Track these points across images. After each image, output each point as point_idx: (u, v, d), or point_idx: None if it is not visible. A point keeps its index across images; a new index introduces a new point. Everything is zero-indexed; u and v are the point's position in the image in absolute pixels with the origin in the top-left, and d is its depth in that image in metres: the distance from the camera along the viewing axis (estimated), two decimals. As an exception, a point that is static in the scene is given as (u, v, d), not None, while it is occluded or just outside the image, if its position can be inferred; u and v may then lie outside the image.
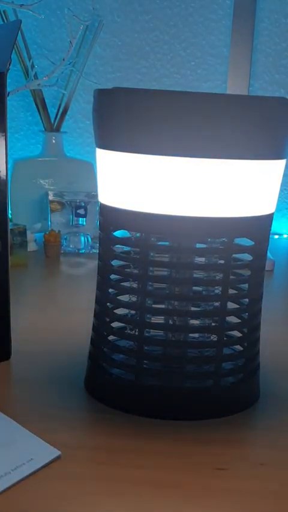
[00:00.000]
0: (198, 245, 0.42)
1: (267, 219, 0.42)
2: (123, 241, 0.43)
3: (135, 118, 0.37)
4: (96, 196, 0.38)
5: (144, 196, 0.38)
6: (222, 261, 0.41)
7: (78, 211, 0.95)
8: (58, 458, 0.37)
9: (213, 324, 0.43)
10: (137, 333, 0.42)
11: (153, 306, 0.44)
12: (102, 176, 0.42)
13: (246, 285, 0.43)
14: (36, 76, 0.99)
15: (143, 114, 0.37)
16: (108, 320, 0.44)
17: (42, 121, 1.05)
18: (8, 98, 0.47)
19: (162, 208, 0.38)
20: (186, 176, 0.37)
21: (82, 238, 0.92)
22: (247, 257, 0.42)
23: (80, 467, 0.36)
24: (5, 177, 0.48)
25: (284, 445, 0.40)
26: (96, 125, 0.41)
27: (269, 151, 0.39)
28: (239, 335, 0.45)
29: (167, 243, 0.42)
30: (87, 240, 0.93)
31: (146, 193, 0.38)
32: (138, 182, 0.38)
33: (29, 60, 0.99)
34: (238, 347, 0.45)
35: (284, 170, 0.42)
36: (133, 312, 0.44)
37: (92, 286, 0.45)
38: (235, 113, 0.37)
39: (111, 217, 0.42)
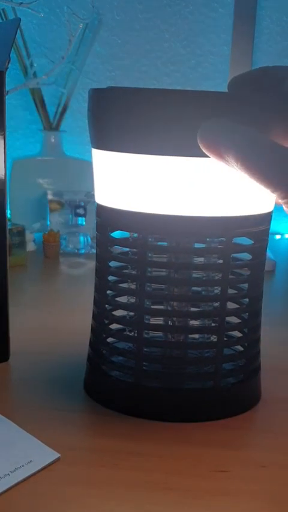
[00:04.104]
0: (196, 245, 0.42)
1: (266, 217, 0.41)
2: (120, 242, 0.42)
3: (131, 118, 0.37)
4: (95, 195, 0.38)
5: (142, 196, 0.38)
6: (221, 261, 0.40)
7: (77, 210, 0.94)
8: (57, 460, 0.36)
9: (213, 324, 0.43)
10: (136, 335, 0.41)
11: (152, 307, 0.44)
12: (99, 176, 0.41)
13: (246, 285, 0.43)
14: (35, 75, 0.99)
15: (139, 113, 0.36)
16: (106, 321, 0.44)
17: (41, 120, 1.05)
18: (6, 96, 0.47)
19: (159, 208, 0.38)
20: (184, 176, 0.37)
21: (81, 238, 0.92)
22: (246, 256, 0.42)
23: (80, 469, 0.36)
24: (3, 176, 0.47)
25: (285, 447, 0.39)
26: (92, 125, 0.40)
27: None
28: (239, 335, 0.44)
29: (165, 243, 0.42)
30: (87, 240, 0.92)
31: (143, 193, 0.38)
32: (135, 182, 0.38)
33: (28, 59, 0.99)
34: (238, 348, 0.44)
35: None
36: (132, 313, 0.43)
37: (92, 287, 0.45)
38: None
39: (108, 218, 0.41)
